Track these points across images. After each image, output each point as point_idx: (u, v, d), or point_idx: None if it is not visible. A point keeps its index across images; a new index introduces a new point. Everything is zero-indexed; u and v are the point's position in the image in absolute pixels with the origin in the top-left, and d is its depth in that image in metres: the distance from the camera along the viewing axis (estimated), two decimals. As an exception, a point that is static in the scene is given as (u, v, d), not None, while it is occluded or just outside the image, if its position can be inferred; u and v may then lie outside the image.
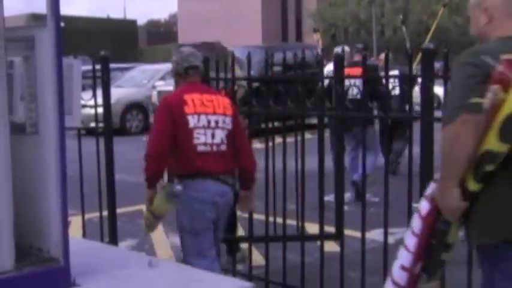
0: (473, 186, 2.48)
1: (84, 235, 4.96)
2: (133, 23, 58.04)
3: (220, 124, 4.10)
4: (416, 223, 2.68)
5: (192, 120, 4.03)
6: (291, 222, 5.24)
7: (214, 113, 4.09)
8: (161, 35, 65.82)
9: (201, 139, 4.03)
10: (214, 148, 4.06)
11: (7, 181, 2.64)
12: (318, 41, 15.18)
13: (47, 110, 2.77)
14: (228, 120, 4.14)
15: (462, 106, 2.44)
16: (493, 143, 2.38)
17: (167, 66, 19.47)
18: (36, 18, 34.76)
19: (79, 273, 2.86)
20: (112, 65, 5.07)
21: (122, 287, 2.91)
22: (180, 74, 4.22)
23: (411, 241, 2.69)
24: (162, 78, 17.65)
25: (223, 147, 4.08)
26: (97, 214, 5.11)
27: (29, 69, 2.83)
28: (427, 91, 3.78)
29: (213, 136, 4.06)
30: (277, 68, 5.48)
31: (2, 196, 2.63)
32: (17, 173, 2.73)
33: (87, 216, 5.09)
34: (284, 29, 49.33)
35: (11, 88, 2.81)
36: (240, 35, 39.35)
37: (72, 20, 45.04)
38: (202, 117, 4.05)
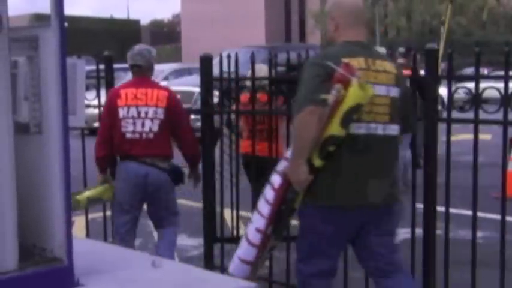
0: (318, 162, 3.06)
1: (87, 235, 4.97)
2: (136, 23, 58.10)
3: (150, 115, 4.70)
4: (269, 194, 3.25)
5: (121, 112, 4.69)
6: (295, 222, 5.24)
7: (146, 105, 4.69)
8: (164, 35, 65.85)
9: (129, 128, 4.68)
10: (144, 136, 4.69)
11: (11, 181, 2.64)
12: None
13: (50, 109, 2.77)
14: (160, 111, 4.71)
15: (309, 99, 3.02)
16: (335, 128, 2.97)
17: (170, 67, 19.52)
18: (39, 18, 34.79)
19: (82, 273, 2.86)
20: (115, 65, 5.07)
21: (126, 287, 2.90)
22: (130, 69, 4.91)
23: (265, 208, 3.27)
24: (166, 78, 17.66)
25: (151, 135, 4.70)
26: (100, 214, 5.11)
27: (33, 69, 2.82)
28: (431, 91, 3.77)
29: (142, 125, 4.68)
30: (280, 69, 5.47)
31: (6, 196, 2.63)
32: (21, 173, 2.73)
33: (90, 216, 5.09)
34: (287, 30, 49.31)
35: (15, 88, 2.81)
36: (243, 35, 39.33)
37: (75, 20, 45.09)
38: (132, 108, 4.68)
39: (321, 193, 3.15)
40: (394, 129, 3.19)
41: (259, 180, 4.80)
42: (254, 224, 3.33)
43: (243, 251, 3.38)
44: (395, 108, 3.17)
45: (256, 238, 3.31)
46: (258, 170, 4.62)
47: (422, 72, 3.87)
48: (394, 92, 3.18)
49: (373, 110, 3.09)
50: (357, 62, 3.07)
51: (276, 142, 4.73)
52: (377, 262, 3.29)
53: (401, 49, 8.50)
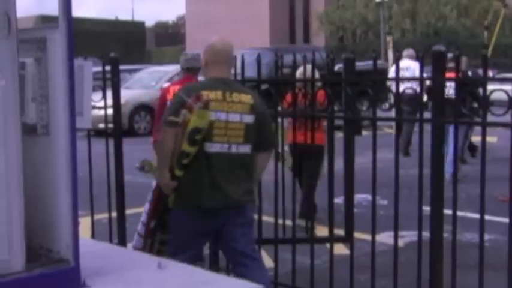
0: (178, 172, 3.83)
1: (92, 236, 4.97)
2: (141, 24, 58.12)
3: None
4: (149, 195, 4.23)
5: None
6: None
7: None
8: (169, 36, 65.91)
9: None
10: None
11: (18, 182, 2.64)
12: (389, 42, 16.92)
13: (58, 111, 2.77)
14: None
15: (166, 121, 3.82)
16: (185, 146, 3.75)
17: (175, 68, 19.49)
18: (46, 20, 34.83)
19: (89, 275, 2.86)
20: (120, 67, 5.07)
21: (132, 288, 2.90)
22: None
23: (147, 206, 4.27)
24: (170, 79, 17.66)
25: None
26: (105, 215, 5.11)
27: (41, 71, 2.83)
28: (437, 93, 3.77)
29: None
30: (286, 70, 5.47)
31: (13, 197, 2.63)
32: (28, 174, 2.73)
33: (95, 217, 5.09)
34: (292, 31, 49.31)
35: (23, 89, 2.81)
36: (248, 37, 39.34)
37: (80, 22, 45.15)
38: None
39: (181, 196, 3.89)
40: (245, 148, 3.89)
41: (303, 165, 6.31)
42: (142, 219, 4.31)
43: (135, 240, 4.31)
44: (249, 132, 3.87)
45: (142, 230, 4.27)
46: (301, 156, 5.83)
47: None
48: (248, 118, 3.87)
49: (228, 133, 3.82)
50: (215, 94, 3.80)
51: (316, 131, 4.83)
52: (232, 252, 4.01)
53: (450, 55, 8.71)
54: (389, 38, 17.45)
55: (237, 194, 3.89)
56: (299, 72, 5.94)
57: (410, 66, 12.25)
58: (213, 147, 3.82)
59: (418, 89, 3.92)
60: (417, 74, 12.14)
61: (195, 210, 3.89)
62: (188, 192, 3.86)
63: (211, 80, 3.96)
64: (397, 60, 4.47)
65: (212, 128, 3.78)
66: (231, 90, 3.88)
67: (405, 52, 12.78)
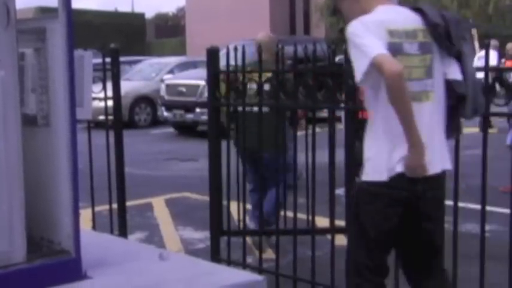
0: None
1: (93, 228, 4.97)
2: (141, 16, 57.94)
3: None
4: None
5: None
6: (302, 215, 5.23)
7: None
8: (169, 28, 65.75)
9: None
10: None
11: (19, 173, 2.64)
12: (474, 35, 18.60)
13: (58, 102, 2.77)
14: None
15: None
16: None
17: (175, 60, 19.50)
18: (44, 11, 34.75)
19: (90, 266, 2.86)
20: (120, 58, 5.04)
21: (133, 279, 2.90)
22: None
23: None
24: (170, 71, 17.65)
25: None
26: (106, 207, 5.10)
27: (41, 61, 2.82)
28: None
29: None
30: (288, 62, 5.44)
31: (14, 188, 2.63)
32: (29, 165, 2.72)
33: (96, 209, 5.08)
34: (292, 22, 49.19)
35: (22, 80, 2.81)
36: (248, 28, 39.24)
37: (79, 13, 45.01)
38: None
39: None
40: None
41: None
42: None
43: None
44: None
45: None
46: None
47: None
48: None
49: None
50: None
51: None
52: None
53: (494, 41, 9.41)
54: (474, 31, 18.50)
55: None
56: None
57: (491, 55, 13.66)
58: None
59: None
60: (493, 63, 12.35)
61: None
62: None
63: None
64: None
65: None
66: None
67: (492, 42, 14.28)
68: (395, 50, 2.95)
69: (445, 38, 3.07)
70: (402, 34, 3.01)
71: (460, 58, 3.10)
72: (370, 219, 3.07)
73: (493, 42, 14.71)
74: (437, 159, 3.05)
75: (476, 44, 18.63)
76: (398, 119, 2.85)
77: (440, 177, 3.13)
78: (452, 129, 3.23)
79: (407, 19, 3.09)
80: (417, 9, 3.14)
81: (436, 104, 3.07)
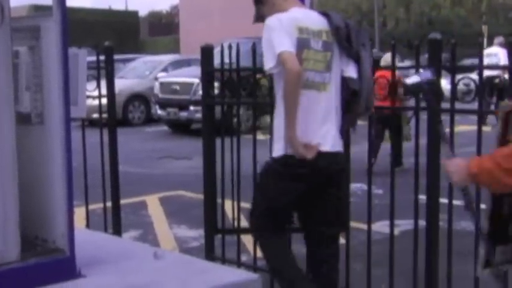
0: None
1: (87, 226, 4.96)
2: (134, 14, 57.82)
3: None
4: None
5: None
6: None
7: None
8: (162, 26, 65.62)
9: None
10: None
11: (13, 171, 2.63)
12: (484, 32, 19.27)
13: (52, 100, 2.76)
14: None
15: None
16: None
17: (169, 58, 19.46)
18: (38, 10, 34.65)
19: (84, 264, 2.85)
20: (114, 56, 5.03)
21: (128, 277, 2.90)
22: None
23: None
24: (164, 69, 17.62)
25: None
26: (100, 205, 5.09)
27: (35, 59, 2.81)
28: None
29: None
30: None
31: (8, 186, 2.62)
32: (23, 163, 2.71)
33: (90, 207, 5.07)
34: (286, 21, 49.19)
35: (17, 78, 2.80)
36: (241, 26, 39.22)
37: (73, 11, 44.88)
38: None
39: None
40: None
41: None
42: None
43: None
44: None
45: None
46: None
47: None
48: None
49: None
50: None
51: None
52: None
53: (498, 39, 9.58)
54: (484, 28, 19.19)
55: None
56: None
57: (497, 52, 13.89)
58: None
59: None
60: (502, 61, 12.51)
61: None
62: None
63: None
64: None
65: None
66: None
67: (496, 40, 14.63)
68: (303, 44, 3.43)
69: (345, 40, 3.54)
70: (310, 32, 3.48)
71: (359, 61, 3.57)
72: (273, 192, 3.56)
73: (498, 39, 14.63)
74: (331, 140, 3.49)
75: (485, 42, 18.85)
76: (284, 110, 3.34)
77: (338, 154, 3.56)
78: (347, 121, 3.68)
79: (315, 21, 3.56)
80: (325, 14, 3.62)
81: (333, 94, 3.53)
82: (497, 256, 2.81)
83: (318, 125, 3.44)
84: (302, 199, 3.60)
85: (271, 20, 3.48)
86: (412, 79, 3.11)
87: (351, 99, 3.59)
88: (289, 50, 3.34)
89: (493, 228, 2.78)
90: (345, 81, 3.59)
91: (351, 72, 3.59)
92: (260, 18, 3.70)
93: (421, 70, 3.52)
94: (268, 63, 3.41)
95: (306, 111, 3.39)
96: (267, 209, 3.65)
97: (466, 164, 2.66)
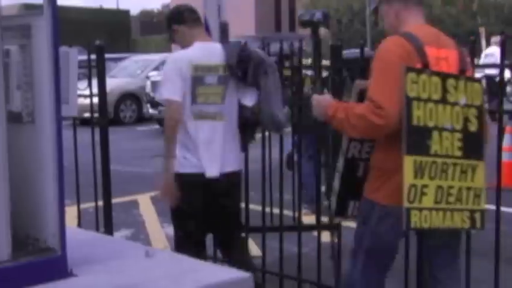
0: None
1: (79, 225, 4.95)
2: (126, 13, 57.68)
3: None
4: None
5: None
6: (288, 212, 5.24)
7: None
8: (154, 25, 65.42)
9: None
10: None
11: (4, 170, 2.62)
12: (481, 33, 18.85)
13: (43, 99, 2.74)
14: None
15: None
16: None
17: (161, 57, 19.41)
18: (28, 8, 34.50)
19: (76, 263, 2.84)
20: (105, 55, 5.01)
21: (119, 276, 2.89)
22: None
23: None
24: (156, 68, 17.59)
25: None
26: (91, 204, 5.09)
27: (26, 58, 2.80)
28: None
29: None
30: (273, 58, 5.44)
31: (-1, 186, 2.61)
32: (14, 162, 2.70)
33: (81, 206, 5.06)
34: (277, 19, 49.19)
35: (7, 77, 2.78)
36: (234, 25, 39.15)
37: (64, 10, 44.69)
38: None
39: None
40: None
41: None
42: None
43: None
44: None
45: None
46: None
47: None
48: None
49: None
50: None
51: None
52: None
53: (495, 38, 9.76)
54: (481, 29, 19.17)
55: None
56: None
57: (494, 52, 14.46)
58: None
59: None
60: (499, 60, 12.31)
61: None
62: None
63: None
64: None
65: None
66: None
67: (493, 39, 15.18)
68: (197, 81, 3.91)
69: (240, 74, 3.94)
70: (205, 69, 3.92)
71: (259, 88, 3.97)
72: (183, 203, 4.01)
73: (495, 39, 14.81)
74: (230, 161, 4.00)
75: (483, 42, 18.98)
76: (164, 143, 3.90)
77: (233, 173, 4.05)
78: (245, 140, 4.19)
79: (214, 56, 3.97)
80: (226, 45, 4.08)
81: (228, 123, 4.01)
82: (349, 210, 3.42)
83: (218, 149, 3.94)
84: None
85: (169, 64, 3.99)
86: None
87: (247, 123, 4.08)
88: (173, 98, 3.85)
89: (345, 188, 3.35)
90: (240, 108, 4.06)
91: (246, 100, 4.04)
92: (173, 41, 4.13)
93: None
94: (161, 95, 4.07)
95: (207, 139, 3.92)
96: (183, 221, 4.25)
97: (327, 105, 3.17)
